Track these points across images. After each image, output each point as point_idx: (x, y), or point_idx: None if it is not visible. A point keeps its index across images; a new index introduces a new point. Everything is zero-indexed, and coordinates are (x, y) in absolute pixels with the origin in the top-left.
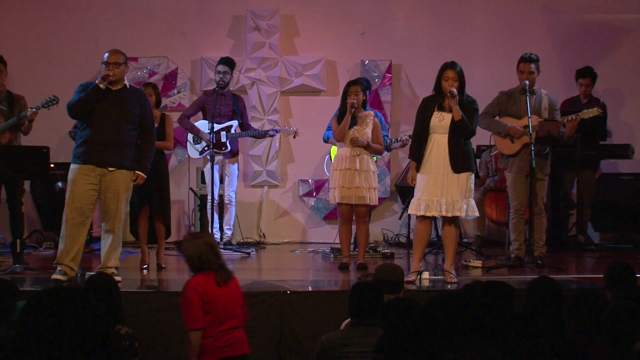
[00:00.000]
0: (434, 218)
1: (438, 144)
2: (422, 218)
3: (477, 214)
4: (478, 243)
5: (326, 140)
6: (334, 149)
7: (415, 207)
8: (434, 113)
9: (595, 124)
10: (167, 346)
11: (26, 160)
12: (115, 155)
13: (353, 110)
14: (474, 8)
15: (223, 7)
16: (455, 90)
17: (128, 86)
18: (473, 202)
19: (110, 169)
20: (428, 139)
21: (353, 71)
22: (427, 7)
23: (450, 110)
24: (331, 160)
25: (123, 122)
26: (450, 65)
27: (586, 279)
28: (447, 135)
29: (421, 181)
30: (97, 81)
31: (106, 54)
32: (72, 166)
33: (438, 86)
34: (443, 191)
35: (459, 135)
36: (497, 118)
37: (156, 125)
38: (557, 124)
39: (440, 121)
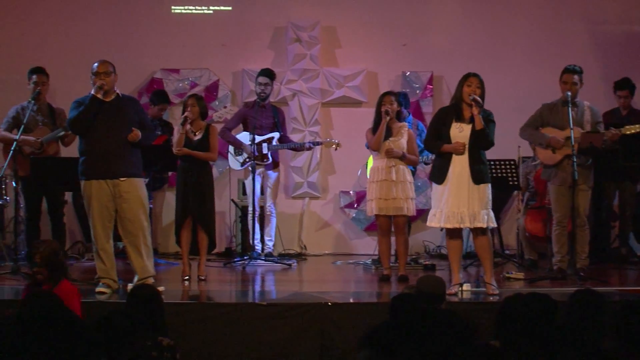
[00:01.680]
0: (461, 229)
1: (459, 155)
2: (451, 230)
3: (494, 224)
4: (529, 266)
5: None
6: (371, 159)
7: (437, 219)
8: (453, 124)
9: (638, 134)
10: (208, 357)
11: (66, 171)
12: (123, 165)
13: (388, 118)
14: (515, 19)
15: (264, 19)
16: (479, 98)
17: (120, 95)
18: (492, 213)
19: (122, 179)
20: None
21: (394, 82)
22: (469, 19)
23: (469, 121)
24: (367, 170)
25: (123, 131)
26: (473, 74)
27: (629, 291)
28: (467, 146)
29: (441, 193)
30: (92, 92)
31: (95, 64)
32: (83, 183)
33: (459, 94)
34: (465, 202)
35: (478, 146)
36: (539, 129)
37: (200, 136)
38: (600, 136)
39: (460, 132)
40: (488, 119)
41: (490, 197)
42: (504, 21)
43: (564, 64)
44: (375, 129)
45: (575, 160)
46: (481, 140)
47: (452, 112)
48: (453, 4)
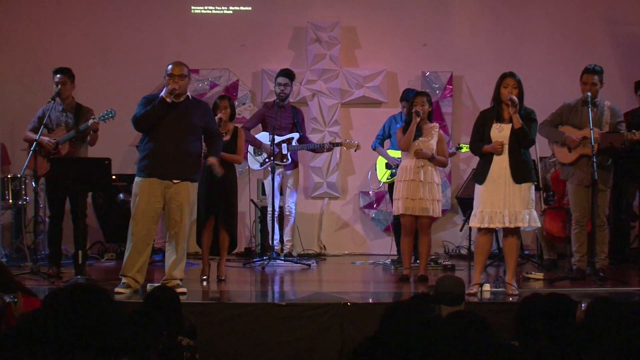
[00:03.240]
0: (494, 230)
1: (498, 155)
2: (484, 230)
3: (538, 224)
4: (548, 266)
5: (374, 149)
6: (380, 160)
7: (479, 220)
8: (493, 124)
9: None
10: (226, 357)
11: (89, 172)
12: (179, 168)
13: (418, 119)
14: (536, 19)
15: (284, 19)
16: (515, 98)
17: (191, 98)
18: (535, 213)
19: (175, 181)
20: None
21: (414, 83)
22: (489, 19)
23: (509, 121)
24: (376, 171)
25: (186, 134)
26: (509, 74)
27: None
28: (507, 146)
29: (482, 193)
30: (163, 94)
31: (170, 66)
32: (137, 179)
33: (497, 96)
34: (505, 202)
35: (518, 145)
36: (558, 127)
37: (228, 137)
38: (620, 136)
39: (500, 132)
40: (529, 117)
41: (532, 196)
42: (524, 21)
43: (585, 63)
44: (406, 128)
45: (594, 160)
46: (521, 138)
47: (493, 113)
48: (473, 4)
